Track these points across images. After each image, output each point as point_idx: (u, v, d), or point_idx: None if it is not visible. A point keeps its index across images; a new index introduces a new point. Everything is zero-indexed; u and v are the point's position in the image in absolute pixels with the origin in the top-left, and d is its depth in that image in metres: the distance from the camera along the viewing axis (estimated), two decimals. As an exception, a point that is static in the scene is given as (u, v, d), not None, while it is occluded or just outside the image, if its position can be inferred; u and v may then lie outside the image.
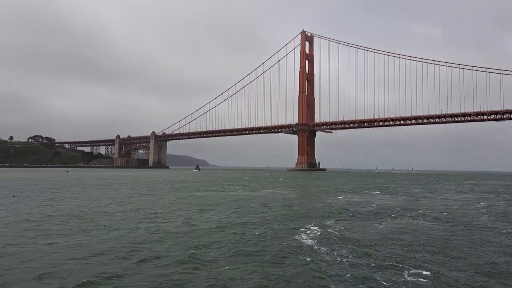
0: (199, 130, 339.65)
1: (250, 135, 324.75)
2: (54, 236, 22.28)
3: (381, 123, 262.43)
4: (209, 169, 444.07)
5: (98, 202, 42.72)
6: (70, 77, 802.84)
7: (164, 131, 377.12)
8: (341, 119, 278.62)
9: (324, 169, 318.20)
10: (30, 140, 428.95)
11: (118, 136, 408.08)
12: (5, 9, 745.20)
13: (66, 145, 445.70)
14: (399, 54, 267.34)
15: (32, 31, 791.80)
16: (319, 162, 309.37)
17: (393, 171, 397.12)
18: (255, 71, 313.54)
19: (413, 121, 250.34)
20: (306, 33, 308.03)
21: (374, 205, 43.13)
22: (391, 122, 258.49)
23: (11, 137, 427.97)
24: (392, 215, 33.89)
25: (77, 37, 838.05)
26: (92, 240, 21.12)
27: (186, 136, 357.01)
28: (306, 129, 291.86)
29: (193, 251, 18.84)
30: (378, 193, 63.13)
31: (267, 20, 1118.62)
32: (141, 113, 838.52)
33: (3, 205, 38.49)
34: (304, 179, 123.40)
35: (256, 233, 23.73)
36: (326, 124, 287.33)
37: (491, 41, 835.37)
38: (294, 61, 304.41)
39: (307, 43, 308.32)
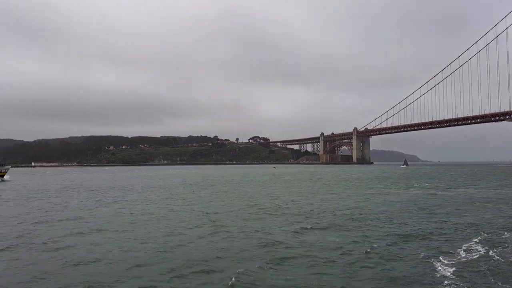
0: (403, 123, 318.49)
1: (465, 125, 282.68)
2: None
3: None
4: (419, 164, 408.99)
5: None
6: (277, 82, 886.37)
7: (366, 127, 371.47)
8: None
9: None
10: (250, 141, 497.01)
11: (322, 134, 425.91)
12: (219, 28, 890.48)
13: (279, 144, 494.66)
14: None
15: (239, 45, 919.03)
16: None
17: None
18: (467, 51, 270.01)
19: None
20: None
21: None
22: None
23: (237, 139, 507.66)
24: None
25: (275, 46, 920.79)
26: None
27: (389, 131, 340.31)
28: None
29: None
30: None
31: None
32: (342, 109, 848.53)
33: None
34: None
35: (380, 251, 19.42)
36: None
37: None
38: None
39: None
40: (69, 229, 25.17)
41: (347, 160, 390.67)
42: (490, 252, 18.54)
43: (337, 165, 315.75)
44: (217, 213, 32.68)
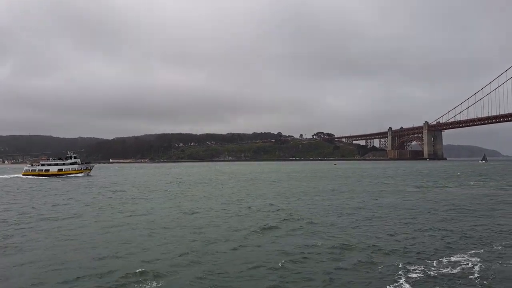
0: (479, 116, 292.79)
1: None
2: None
3: None
4: (499, 160, 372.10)
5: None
6: (341, 76, 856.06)
7: (438, 120, 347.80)
8: None
9: None
10: (314, 137, 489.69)
11: (390, 128, 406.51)
12: (278, 22, 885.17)
13: (344, 140, 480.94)
14: None
15: (300, 39, 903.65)
16: None
17: None
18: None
19: None
20: None
21: None
22: None
23: (301, 135, 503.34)
24: None
25: (337, 38, 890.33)
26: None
27: (464, 124, 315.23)
28: None
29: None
30: None
31: None
32: (410, 102, 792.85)
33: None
34: None
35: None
36: None
37: None
38: None
39: None
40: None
41: (417, 155, 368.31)
42: (478, 267, 15.69)
43: (404, 161, 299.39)
44: (198, 212, 32.84)
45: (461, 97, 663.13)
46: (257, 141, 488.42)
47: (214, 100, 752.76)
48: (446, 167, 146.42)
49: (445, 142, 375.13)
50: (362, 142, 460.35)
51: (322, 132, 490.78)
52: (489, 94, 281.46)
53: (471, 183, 63.17)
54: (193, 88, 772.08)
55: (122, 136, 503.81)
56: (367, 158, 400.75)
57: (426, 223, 25.33)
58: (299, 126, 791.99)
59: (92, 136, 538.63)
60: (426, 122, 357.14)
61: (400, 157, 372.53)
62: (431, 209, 31.81)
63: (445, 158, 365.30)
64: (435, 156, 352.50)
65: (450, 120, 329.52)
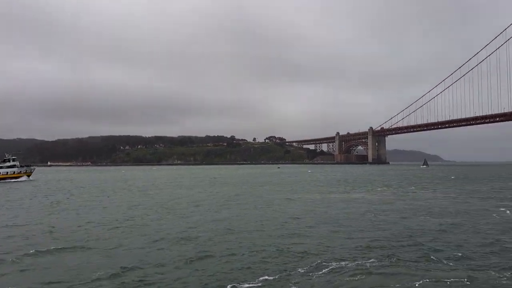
0: (420, 122, 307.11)
1: (489, 124, 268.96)
2: None
3: None
4: (439, 165, 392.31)
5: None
6: (293, 81, 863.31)
7: (382, 126, 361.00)
8: None
9: None
10: (266, 140, 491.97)
11: (337, 133, 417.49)
12: (228, 25, 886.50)
13: (295, 144, 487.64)
14: None
15: (240, 43, 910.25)
16: None
17: None
18: (484, 48, 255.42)
19: None
20: None
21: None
22: None
23: (254, 139, 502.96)
24: None
25: (277, 43, 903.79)
26: None
27: (405, 130, 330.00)
28: None
29: None
30: None
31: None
32: (356, 108, 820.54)
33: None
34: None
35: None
36: None
37: None
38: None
39: None
40: None
41: (362, 159, 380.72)
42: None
43: (348, 165, 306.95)
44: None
45: (403, 103, 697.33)
46: (208, 144, 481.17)
47: (162, 101, 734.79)
48: (380, 172, 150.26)
49: (391, 147, 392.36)
50: (312, 146, 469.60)
51: (274, 136, 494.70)
52: (429, 102, 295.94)
53: (382, 188, 63.40)
54: (139, 89, 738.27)
55: (65, 137, 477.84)
56: (315, 162, 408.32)
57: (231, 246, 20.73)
58: (253, 130, 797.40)
59: (32, 138, 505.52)
60: (371, 128, 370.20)
61: (347, 161, 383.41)
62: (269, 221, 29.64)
63: (388, 162, 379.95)
64: (379, 160, 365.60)
65: (393, 126, 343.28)
